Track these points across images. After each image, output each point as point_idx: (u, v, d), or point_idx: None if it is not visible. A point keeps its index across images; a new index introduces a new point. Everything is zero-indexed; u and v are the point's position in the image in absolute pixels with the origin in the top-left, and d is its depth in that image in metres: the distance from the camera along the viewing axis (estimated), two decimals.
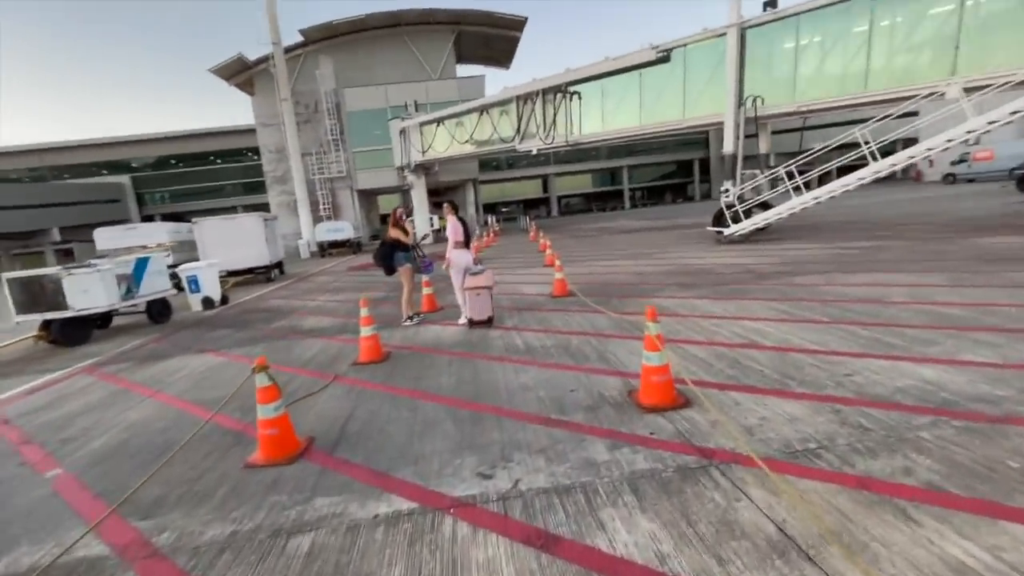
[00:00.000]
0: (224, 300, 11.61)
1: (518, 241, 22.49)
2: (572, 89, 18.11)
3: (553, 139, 19.00)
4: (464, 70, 37.43)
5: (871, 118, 11.31)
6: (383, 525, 2.55)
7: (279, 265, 18.03)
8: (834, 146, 12.00)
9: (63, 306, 8.24)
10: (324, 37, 29.87)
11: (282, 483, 3.09)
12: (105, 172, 57.97)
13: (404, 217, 7.42)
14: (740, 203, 13.34)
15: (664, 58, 15.27)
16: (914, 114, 12.31)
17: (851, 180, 11.09)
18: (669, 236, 17.35)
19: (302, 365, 5.76)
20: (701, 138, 60.99)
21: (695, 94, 15.06)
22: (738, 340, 4.95)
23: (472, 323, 6.88)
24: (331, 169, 30.17)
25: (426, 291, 8.19)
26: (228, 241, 14.99)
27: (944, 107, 10.55)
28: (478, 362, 5.11)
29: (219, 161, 59.55)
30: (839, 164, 12.08)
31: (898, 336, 4.58)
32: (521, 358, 5.07)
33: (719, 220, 14.18)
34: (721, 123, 14.51)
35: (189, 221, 16.45)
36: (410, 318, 7.34)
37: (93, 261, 9.11)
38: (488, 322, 6.89)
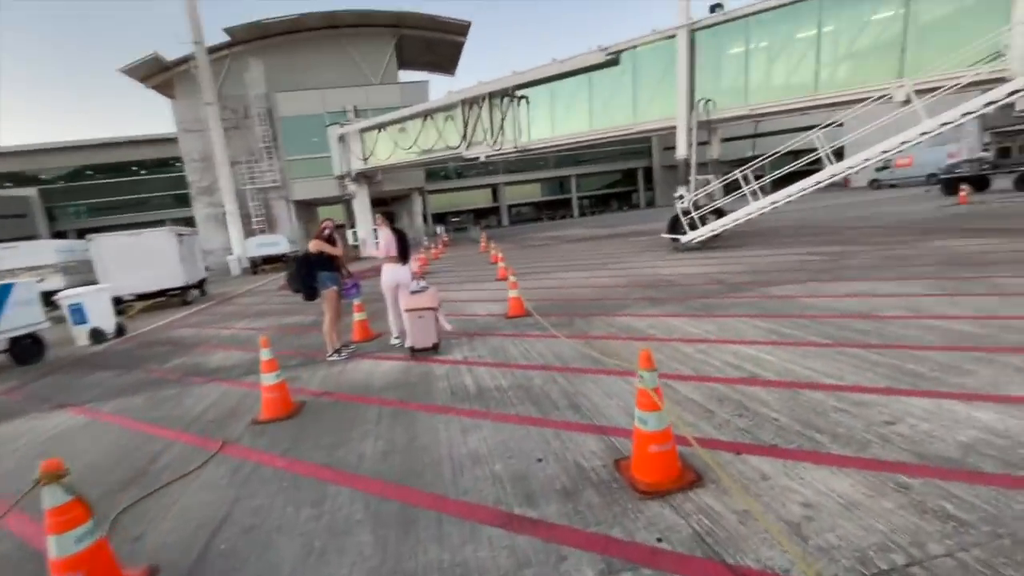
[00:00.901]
0: (120, 331, 9.80)
1: (468, 252, 21.39)
2: (520, 93, 17.34)
3: (501, 145, 18.13)
4: (407, 76, 36.20)
5: (816, 125, 11.12)
6: None
7: (200, 285, 16.04)
8: (787, 151, 11.77)
9: None
10: (254, 37, 27.77)
11: None
12: (9, 184, 52.06)
13: (331, 232, 6.17)
14: (695, 209, 12.88)
15: (613, 60, 14.76)
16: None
17: (808, 184, 10.81)
18: (623, 244, 16.80)
19: (186, 426, 4.40)
20: (645, 147, 62.54)
21: (646, 98, 14.61)
22: (734, 373, 4.08)
23: (414, 351, 5.81)
24: (264, 178, 27.97)
25: (357, 316, 6.94)
26: (133, 261, 13.00)
27: (890, 111, 10.48)
28: (416, 415, 3.98)
29: (143, 172, 54.98)
30: (792, 169, 11.82)
31: (919, 362, 3.85)
32: (471, 408, 3.98)
33: (674, 227, 13.70)
34: (672, 128, 14.12)
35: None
36: (337, 351, 6.08)
37: None
38: (434, 348, 5.83)
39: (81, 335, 9.29)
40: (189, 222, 28.36)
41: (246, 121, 27.70)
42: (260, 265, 23.68)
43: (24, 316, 8.18)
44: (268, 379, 4.31)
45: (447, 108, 19.94)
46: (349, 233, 27.02)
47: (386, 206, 48.69)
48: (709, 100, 13.04)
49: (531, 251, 18.29)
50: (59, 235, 45.74)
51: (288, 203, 28.67)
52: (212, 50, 26.56)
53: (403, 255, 6.29)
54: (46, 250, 13.21)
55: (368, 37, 29.84)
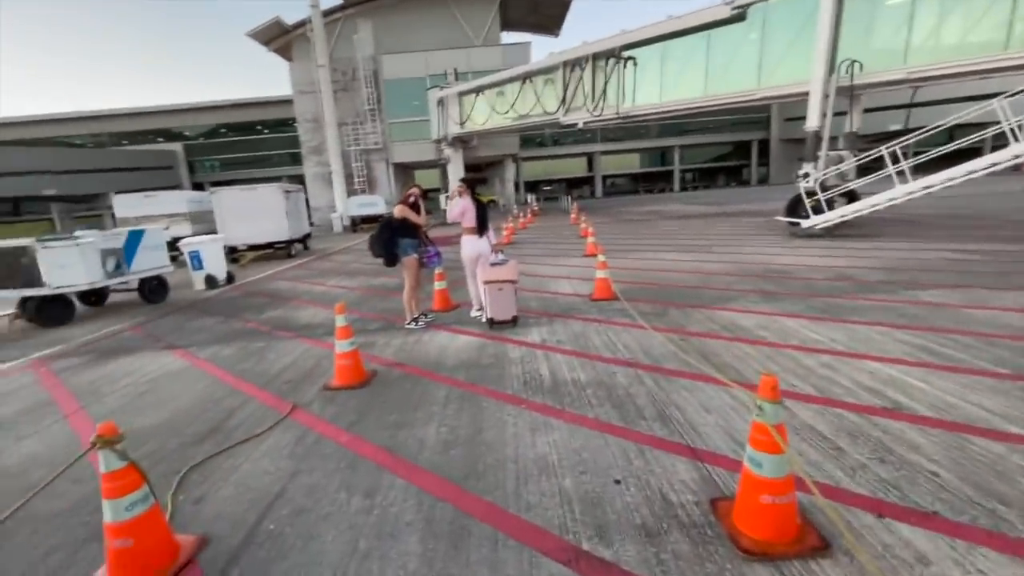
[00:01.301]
0: (230, 279, 10.65)
1: (558, 223, 20.78)
2: (627, 54, 16.06)
3: (602, 111, 17.07)
4: (510, 38, 35.42)
5: (998, 93, 8.93)
6: None
7: (304, 240, 17.14)
8: (954, 124, 9.68)
9: (38, 282, 7.36)
10: (363, 0, 28.44)
11: None
12: (161, 140, 59.50)
13: (416, 198, 5.98)
14: (822, 190, 11.19)
15: (739, 16, 13.03)
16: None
17: (980, 165, 8.83)
18: (731, 225, 15.25)
19: (265, 383, 4.50)
20: (762, 118, 56.67)
21: (774, 59, 12.80)
22: (871, 399, 3.29)
23: (493, 323, 5.69)
24: (367, 140, 29.11)
25: (438, 285, 6.79)
26: (247, 214, 14.09)
27: None
28: (484, 403, 3.68)
29: (265, 131, 59.96)
30: (959, 146, 9.75)
31: None
32: (544, 403, 3.60)
33: (794, 209, 12.10)
34: (803, 94, 12.26)
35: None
36: (415, 320, 5.98)
37: (78, 232, 8.22)
38: (512, 322, 5.69)
39: (198, 280, 10.20)
40: (303, 180, 30.50)
41: (354, 83, 28.79)
42: (359, 224, 24.90)
43: (152, 260, 9.07)
44: (342, 346, 4.23)
45: (547, 71, 19.11)
46: (442, 199, 27.47)
47: (480, 172, 49.13)
48: (855, 62, 11.06)
49: (626, 226, 17.27)
50: (197, 186, 51.68)
51: (388, 165, 29.70)
52: (326, 13, 27.63)
53: (482, 226, 6.00)
54: (179, 200, 14.73)
55: None
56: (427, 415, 3.54)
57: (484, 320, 5.89)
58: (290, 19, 28.06)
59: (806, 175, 11.67)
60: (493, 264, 5.95)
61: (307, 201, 33.06)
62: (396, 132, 29.50)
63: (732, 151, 60.71)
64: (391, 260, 5.91)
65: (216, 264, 10.33)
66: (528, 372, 4.22)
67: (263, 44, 28.84)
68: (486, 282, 5.70)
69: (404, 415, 3.57)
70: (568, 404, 3.54)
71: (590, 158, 59.24)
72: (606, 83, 16.76)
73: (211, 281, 10.19)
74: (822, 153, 11.54)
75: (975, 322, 4.67)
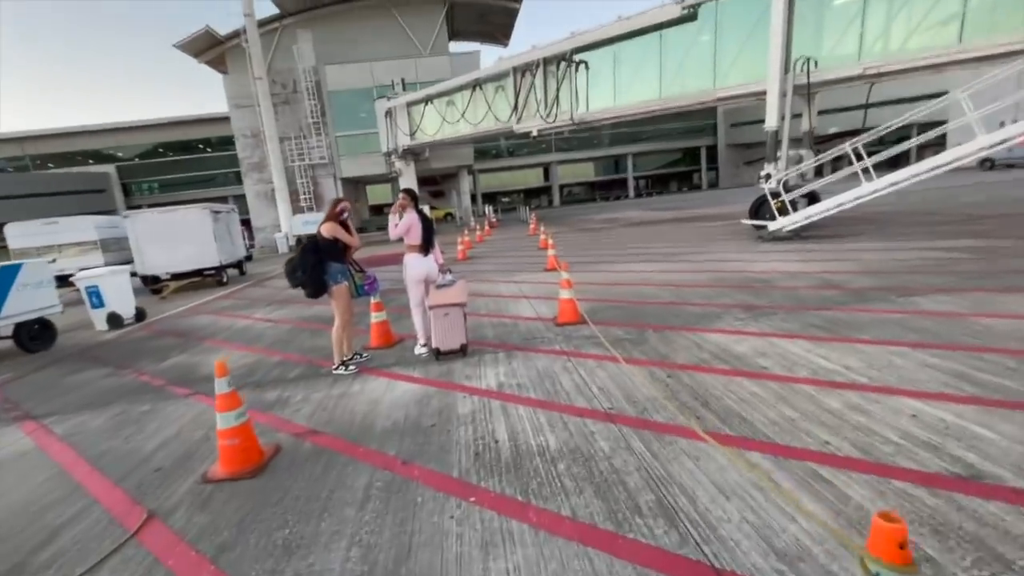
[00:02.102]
0: (140, 316, 9.16)
1: (517, 235, 19.96)
2: (578, 58, 15.50)
3: (556, 117, 16.42)
4: (458, 48, 34.72)
5: (941, 93, 8.74)
6: None
7: (239, 264, 15.58)
8: (913, 120, 9.44)
9: None
10: (303, 9, 27.00)
11: None
12: (91, 161, 55.46)
13: (347, 212, 4.93)
14: (786, 191, 10.79)
15: (690, 15, 12.67)
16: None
17: (944, 159, 8.53)
18: (692, 230, 14.81)
19: (125, 474, 3.31)
20: (708, 124, 58.36)
21: (728, 59, 12.45)
22: (934, 461, 2.47)
23: (439, 354, 4.88)
24: (312, 155, 27.54)
25: (375, 317, 5.70)
26: (167, 239, 12.50)
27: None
28: (419, 496, 2.65)
29: (208, 150, 56.94)
30: (919, 142, 9.52)
31: None
32: (502, 492, 2.61)
33: (758, 211, 11.68)
34: (758, 94, 11.96)
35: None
36: (344, 364, 4.88)
37: None
38: (461, 351, 4.92)
39: (98, 319, 8.69)
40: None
41: (295, 96, 27.24)
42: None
43: (33, 300, 7.56)
44: (226, 420, 3.10)
45: (497, 77, 18.36)
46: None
47: (436, 184, 47.98)
48: (809, 59, 10.78)
49: (586, 235, 16.61)
50: (134, 208, 48.11)
51: (336, 180, 28.19)
52: (263, 23, 26.09)
53: (427, 243, 5.16)
54: (87, 226, 12.94)
55: (418, 6, 28.40)
56: (335, 525, 2.48)
57: (428, 353, 5.01)
58: (223, 29, 26.28)
59: (768, 176, 11.26)
60: (439, 286, 5.19)
61: (249, 221, 31.05)
62: (344, 146, 28.08)
63: (682, 157, 62.17)
64: (318, 290, 4.80)
65: (120, 299, 8.83)
66: (481, 437, 3.22)
67: (193, 56, 26.89)
68: (432, 307, 4.84)
69: (302, 527, 2.50)
70: (535, 493, 2.56)
71: (546, 168, 59.28)
72: (559, 89, 16.14)
73: (114, 320, 8.68)
74: (782, 153, 11.17)
75: (998, 336, 4.02)
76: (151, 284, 12.92)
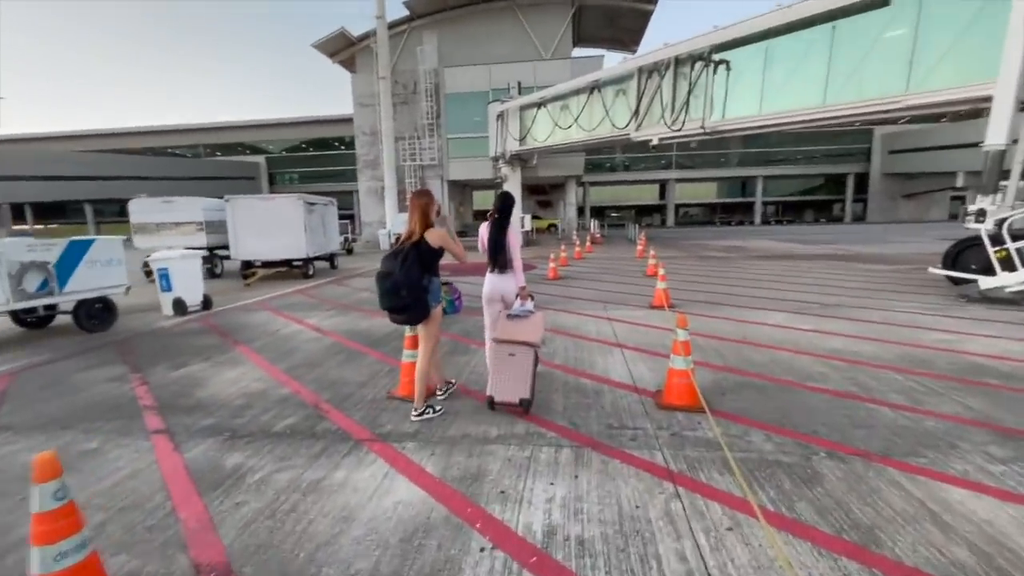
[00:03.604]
0: (207, 303, 8.76)
1: (622, 255, 17.84)
2: (718, 57, 13.14)
3: (683, 125, 14.14)
4: (582, 54, 33.26)
5: None
6: None
7: (331, 257, 15.42)
8: None
9: None
10: (431, 11, 27.38)
11: None
12: (248, 152, 63.11)
13: (440, 210, 3.77)
14: (1012, 238, 7.65)
15: (881, 0, 9.83)
16: None
17: None
18: (850, 273, 11.68)
19: None
20: (862, 149, 50.82)
21: (932, 55, 9.43)
22: None
23: (493, 404, 3.75)
24: (423, 156, 27.72)
25: (408, 356, 4.23)
26: (262, 226, 12.44)
27: None
28: None
29: (342, 147, 61.83)
30: None
31: None
32: None
33: (957, 259, 8.60)
34: (978, 100, 8.84)
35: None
36: (430, 407, 3.65)
37: None
38: (522, 405, 3.65)
39: (166, 303, 8.36)
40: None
41: (414, 96, 27.65)
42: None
43: (99, 278, 7.28)
44: (45, 564, 1.73)
45: (619, 80, 16.50)
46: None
47: (544, 194, 46.90)
48: None
49: (705, 265, 14.06)
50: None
51: (443, 182, 28.12)
52: (393, 25, 26.81)
53: (497, 257, 4.08)
54: (195, 207, 13.38)
55: (545, 7, 27.45)
56: None
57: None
58: (356, 31, 27.49)
59: (982, 213, 8.17)
60: (511, 315, 4.02)
61: (355, 216, 32.32)
62: (454, 148, 27.94)
63: (822, 184, 54.98)
64: (422, 314, 3.63)
65: (189, 285, 8.46)
66: None
67: (328, 56, 28.49)
68: (496, 340, 3.87)
69: None
70: None
71: (663, 185, 55.70)
72: (689, 92, 13.87)
73: (179, 306, 8.31)
74: (1012, 184, 8.02)
75: None
76: (244, 269, 12.96)
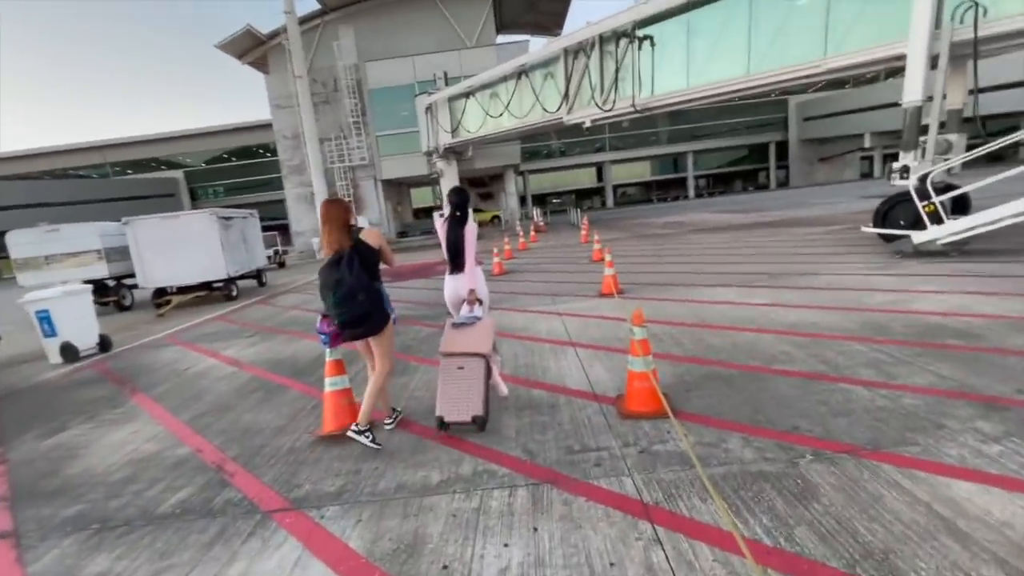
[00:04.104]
0: (104, 345, 7.60)
1: (566, 242, 17.56)
2: (642, 33, 12.96)
3: (614, 104, 13.93)
4: (506, 41, 32.71)
5: None
6: None
7: (258, 275, 14.18)
8: None
9: None
10: (345, 3, 25.89)
11: None
12: (163, 167, 58.40)
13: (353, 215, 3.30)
14: (935, 190, 7.84)
15: None
16: None
17: None
18: (785, 237, 11.88)
19: None
20: (779, 119, 53.40)
21: (846, 19, 9.57)
22: None
23: (443, 425, 3.24)
24: (352, 156, 26.37)
25: (331, 383, 3.57)
26: (170, 248, 11.13)
27: None
28: None
29: (268, 154, 58.41)
30: None
31: None
32: None
33: (887, 216, 8.79)
34: (893, 60, 9.05)
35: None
36: (364, 431, 3.23)
37: None
38: (474, 424, 3.18)
39: (52, 351, 7.15)
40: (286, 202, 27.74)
41: (335, 95, 26.17)
42: None
43: None
44: None
45: (546, 63, 16.11)
46: (435, 217, 24.60)
47: (484, 186, 46.29)
48: (973, 5, 7.80)
49: (648, 244, 13.97)
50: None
51: (376, 182, 26.90)
52: (304, 20, 25.18)
53: (455, 257, 3.73)
54: (90, 233, 11.79)
55: None
56: None
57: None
58: (264, 28, 25.59)
59: (905, 169, 8.35)
60: (455, 324, 3.51)
61: (287, 226, 30.44)
62: (384, 146, 26.74)
63: (748, 154, 57.44)
64: (381, 323, 3.21)
65: (79, 325, 7.28)
66: None
67: (236, 57, 26.40)
68: (442, 354, 3.34)
69: None
70: None
71: (599, 168, 56.36)
72: (617, 71, 13.67)
73: (68, 351, 7.13)
74: (930, 139, 8.22)
75: None
76: (156, 298, 11.61)
